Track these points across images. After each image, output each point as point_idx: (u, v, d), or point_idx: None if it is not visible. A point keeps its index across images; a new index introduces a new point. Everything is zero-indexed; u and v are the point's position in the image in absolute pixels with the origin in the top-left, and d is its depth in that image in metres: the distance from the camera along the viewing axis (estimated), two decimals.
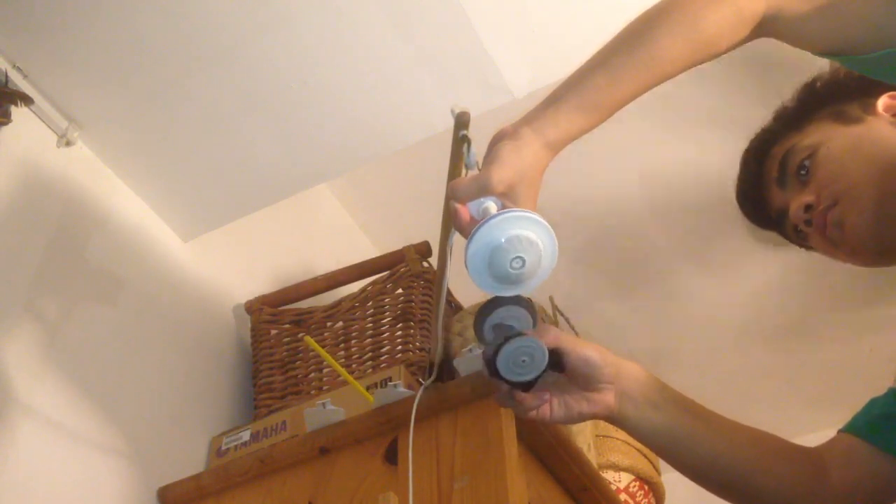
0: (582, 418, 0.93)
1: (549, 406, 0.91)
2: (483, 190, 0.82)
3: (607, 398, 0.92)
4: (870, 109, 1.03)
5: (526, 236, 0.80)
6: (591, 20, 1.33)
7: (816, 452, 0.99)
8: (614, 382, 0.92)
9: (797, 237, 1.08)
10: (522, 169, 0.83)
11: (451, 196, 0.84)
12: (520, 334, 0.85)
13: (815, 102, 1.08)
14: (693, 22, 0.86)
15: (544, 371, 0.86)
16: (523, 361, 0.85)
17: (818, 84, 1.09)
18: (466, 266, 0.82)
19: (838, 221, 0.99)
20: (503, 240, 0.79)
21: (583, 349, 0.91)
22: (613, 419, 0.94)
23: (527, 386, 0.88)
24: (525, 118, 0.87)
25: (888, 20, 0.84)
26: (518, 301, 0.87)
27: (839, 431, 1.00)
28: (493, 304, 0.87)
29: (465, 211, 0.83)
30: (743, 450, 0.96)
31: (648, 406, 0.94)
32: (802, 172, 1.03)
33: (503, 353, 0.84)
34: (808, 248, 1.11)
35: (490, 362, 0.85)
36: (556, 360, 0.89)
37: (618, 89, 0.87)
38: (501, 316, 0.87)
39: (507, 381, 0.87)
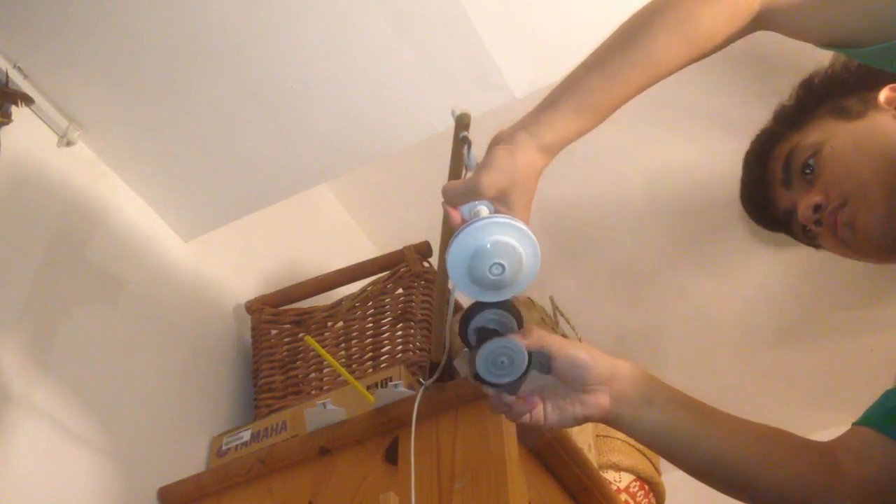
0: (576, 422, 0.91)
1: (543, 410, 0.90)
2: (472, 195, 0.82)
3: (600, 400, 0.90)
4: (871, 103, 1.01)
5: (507, 242, 0.80)
6: (592, 20, 1.33)
7: (828, 446, 0.96)
8: (608, 383, 0.90)
9: (806, 237, 1.06)
10: (515, 173, 0.82)
11: (443, 199, 0.84)
12: (498, 336, 0.85)
13: (814, 99, 1.06)
14: (688, 19, 0.85)
15: (526, 372, 0.85)
16: (502, 362, 0.85)
17: (816, 80, 1.07)
18: (447, 269, 0.82)
19: (849, 221, 0.97)
20: (483, 245, 0.79)
21: (570, 350, 0.89)
22: (609, 421, 0.92)
23: (511, 388, 0.87)
24: (521, 122, 0.86)
25: (886, 10, 0.83)
26: (502, 304, 0.86)
27: (853, 425, 0.97)
28: (477, 307, 0.87)
29: (457, 214, 0.83)
30: (750, 447, 0.93)
31: (645, 405, 0.92)
32: (807, 172, 1.01)
33: (481, 355, 0.84)
34: (818, 246, 1.09)
35: (471, 365, 0.85)
36: (543, 362, 0.88)
37: (614, 90, 0.86)
38: (485, 319, 0.87)
39: (488, 384, 0.86)
